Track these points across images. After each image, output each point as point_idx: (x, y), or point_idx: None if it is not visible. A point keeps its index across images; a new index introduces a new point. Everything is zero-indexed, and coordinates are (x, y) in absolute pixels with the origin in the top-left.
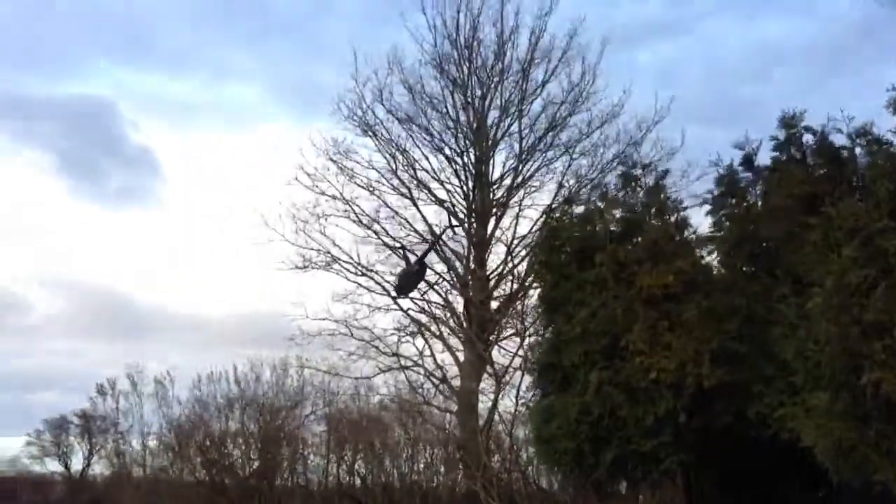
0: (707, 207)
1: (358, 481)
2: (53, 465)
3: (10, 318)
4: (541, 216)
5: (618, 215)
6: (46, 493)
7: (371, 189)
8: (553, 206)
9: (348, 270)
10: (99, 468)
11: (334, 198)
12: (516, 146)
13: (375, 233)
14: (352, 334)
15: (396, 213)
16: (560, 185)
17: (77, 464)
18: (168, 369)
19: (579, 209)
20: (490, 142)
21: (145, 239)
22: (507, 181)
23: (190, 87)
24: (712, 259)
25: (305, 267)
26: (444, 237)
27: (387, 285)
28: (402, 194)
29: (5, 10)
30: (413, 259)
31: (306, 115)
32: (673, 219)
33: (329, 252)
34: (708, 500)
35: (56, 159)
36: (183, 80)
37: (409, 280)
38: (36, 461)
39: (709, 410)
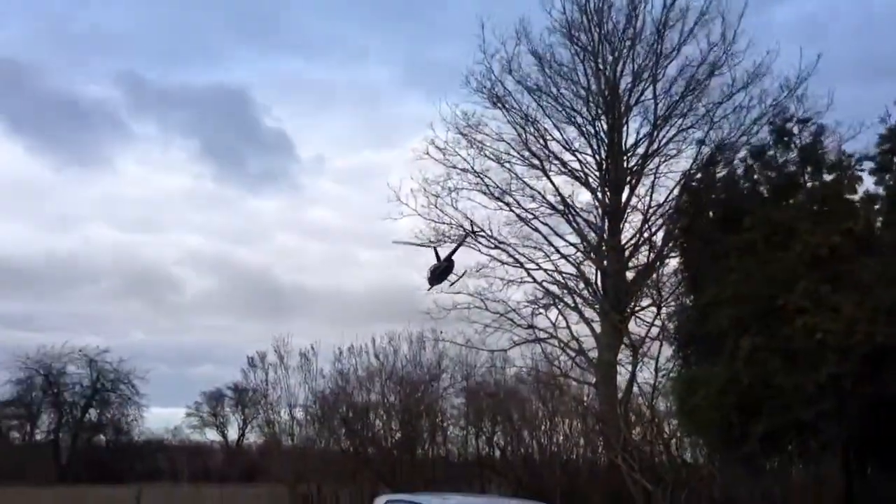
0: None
1: (497, 453)
2: (212, 435)
3: (168, 297)
4: (678, 182)
5: (768, 175)
6: (206, 460)
7: (501, 161)
8: (692, 171)
9: (480, 244)
10: (253, 437)
11: (465, 171)
12: (651, 112)
13: (507, 205)
14: (486, 307)
15: (527, 184)
16: (699, 150)
17: (233, 433)
18: (312, 343)
19: (722, 173)
20: (623, 109)
21: (286, 219)
22: (642, 149)
23: (320, 70)
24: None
25: (438, 241)
26: (575, 207)
27: (520, 258)
28: (533, 165)
29: (150, 6)
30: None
31: (436, 92)
32: (842, 175)
33: (461, 225)
34: (869, 482)
35: (200, 146)
36: (314, 64)
37: (437, 275)
38: (196, 430)
39: (877, 378)
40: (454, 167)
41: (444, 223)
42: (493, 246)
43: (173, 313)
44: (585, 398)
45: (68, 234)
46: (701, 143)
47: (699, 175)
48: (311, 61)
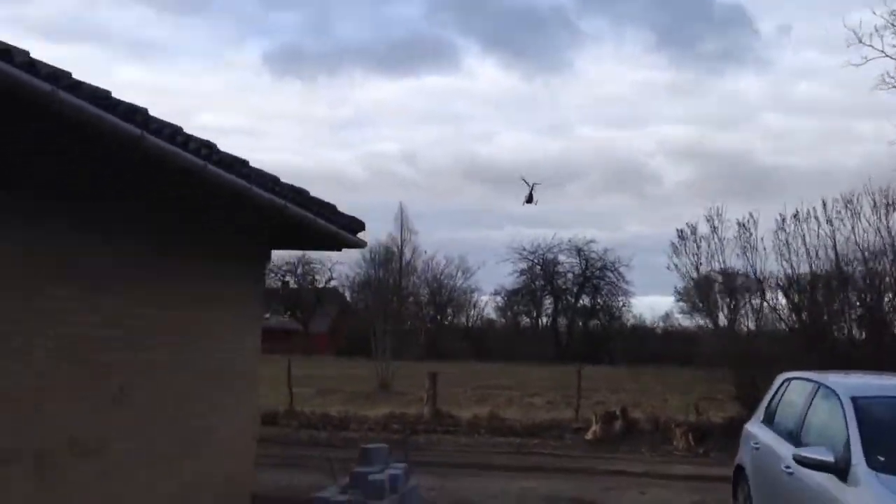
0: None
1: None
2: (702, 320)
3: (648, 189)
4: None
5: None
6: (691, 345)
7: None
8: None
9: None
10: (744, 322)
11: None
12: None
13: None
14: None
15: None
16: None
17: (722, 319)
18: (750, 211)
19: None
20: None
21: (758, 98)
22: None
23: None
24: None
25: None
26: None
27: None
28: None
29: None
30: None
31: None
32: None
33: None
34: None
35: (652, 35)
36: None
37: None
38: (686, 317)
39: None
40: None
41: None
42: None
43: (654, 204)
44: None
45: (554, 136)
46: None
47: None
48: None
